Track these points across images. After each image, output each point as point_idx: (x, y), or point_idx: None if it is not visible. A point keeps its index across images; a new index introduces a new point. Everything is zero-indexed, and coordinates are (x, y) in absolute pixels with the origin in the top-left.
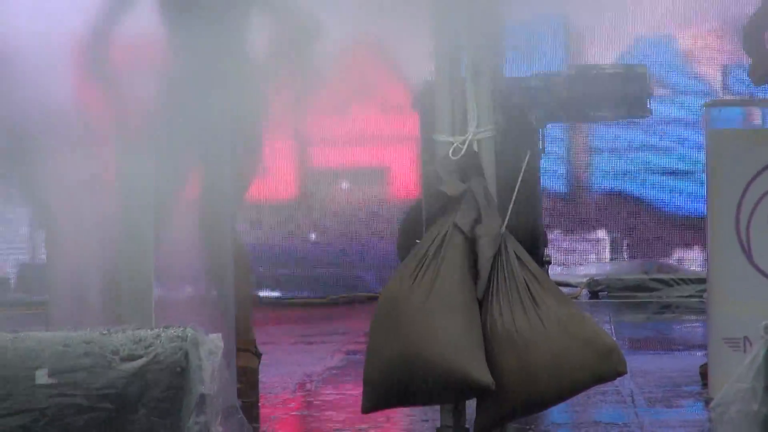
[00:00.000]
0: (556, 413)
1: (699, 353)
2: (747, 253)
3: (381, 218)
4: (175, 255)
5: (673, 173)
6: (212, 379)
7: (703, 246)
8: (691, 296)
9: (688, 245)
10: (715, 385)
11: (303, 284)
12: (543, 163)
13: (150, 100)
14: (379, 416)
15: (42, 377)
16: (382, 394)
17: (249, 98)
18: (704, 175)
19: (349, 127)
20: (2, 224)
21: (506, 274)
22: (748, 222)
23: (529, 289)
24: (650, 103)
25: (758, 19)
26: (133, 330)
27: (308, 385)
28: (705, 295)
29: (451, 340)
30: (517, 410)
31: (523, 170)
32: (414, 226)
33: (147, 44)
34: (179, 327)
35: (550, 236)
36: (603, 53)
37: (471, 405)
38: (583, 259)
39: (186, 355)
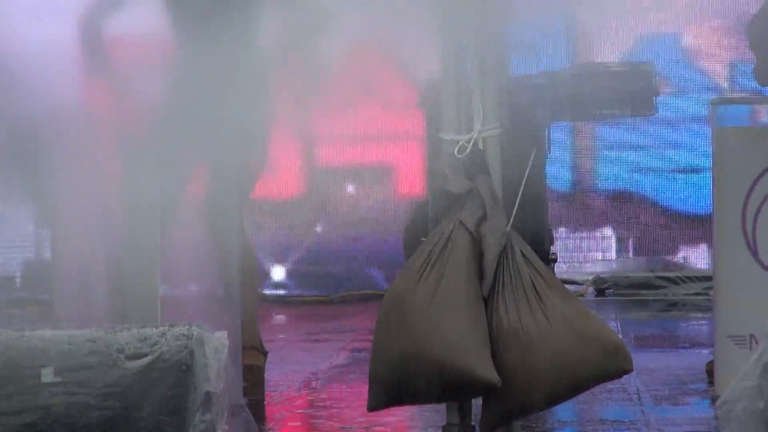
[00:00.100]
0: (562, 411)
1: (705, 351)
2: (753, 250)
3: (387, 216)
4: (180, 253)
5: (680, 171)
6: (218, 378)
7: (709, 244)
8: (697, 294)
9: (694, 243)
10: (721, 382)
11: (309, 282)
12: (549, 160)
13: (156, 100)
14: (384, 414)
15: (47, 375)
16: (387, 392)
17: (255, 98)
18: (710, 173)
19: (355, 126)
20: (7, 222)
21: (512, 273)
22: (755, 220)
23: (534, 287)
24: (656, 101)
25: (764, 17)
26: (139, 328)
27: (314, 383)
28: (711, 292)
29: (457, 338)
30: (522, 408)
31: (528, 168)
32: (420, 225)
33: (153, 43)
34: (185, 325)
35: (556, 234)
36: (609, 51)
37: (477, 403)
38: (589, 256)
39: (191, 353)
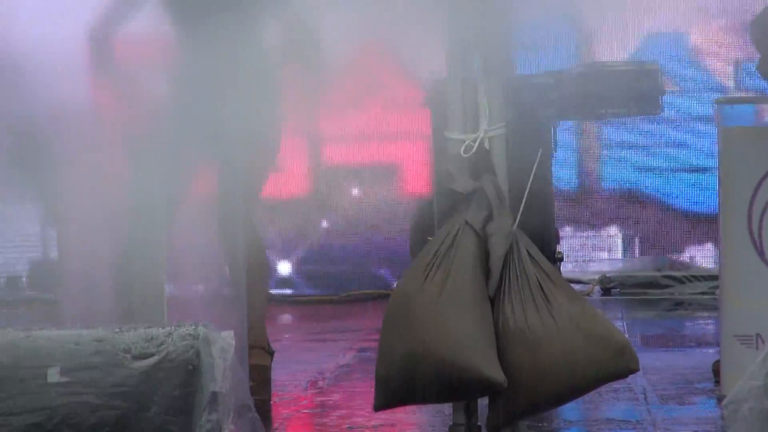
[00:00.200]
0: (569, 411)
1: (711, 350)
2: (759, 250)
3: (393, 215)
4: (187, 252)
5: (686, 170)
6: (224, 377)
7: (716, 243)
8: (703, 293)
9: (700, 242)
10: (727, 382)
11: (314, 281)
12: (554, 160)
13: (162, 98)
14: (391, 414)
15: (54, 375)
16: (393, 392)
17: (264, 95)
18: (716, 172)
19: (361, 125)
20: (14, 222)
21: (518, 272)
22: (761, 219)
23: (541, 287)
24: (662, 100)
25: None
26: (145, 328)
27: (320, 383)
28: (717, 292)
29: (463, 338)
30: (529, 408)
31: (534, 168)
32: (425, 224)
33: (160, 42)
34: (191, 325)
35: (562, 233)
36: (615, 50)
37: (483, 403)
38: (595, 256)
39: (198, 353)
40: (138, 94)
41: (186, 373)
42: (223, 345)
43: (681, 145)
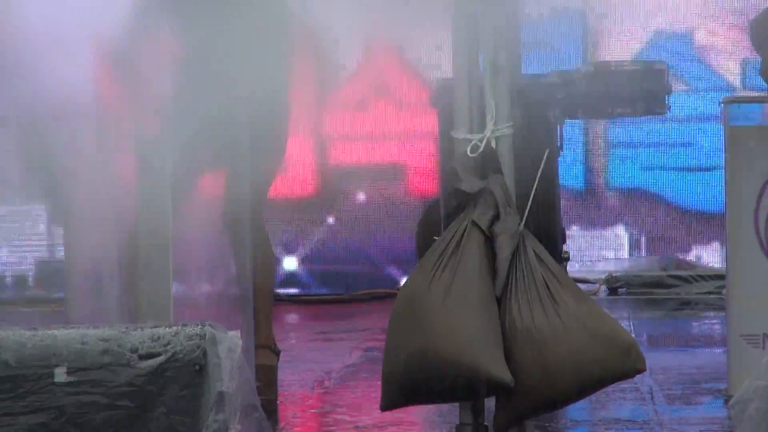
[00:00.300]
0: (575, 410)
1: (718, 350)
2: (766, 249)
3: (399, 215)
4: (194, 252)
5: (692, 169)
6: (231, 377)
7: (722, 242)
8: (709, 293)
9: (706, 241)
10: (734, 382)
11: (321, 281)
12: (561, 159)
13: (170, 96)
14: (397, 414)
15: (60, 375)
16: (400, 392)
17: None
18: (723, 172)
19: (368, 124)
20: (20, 221)
21: (525, 272)
22: (767, 219)
23: (547, 287)
24: (669, 100)
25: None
26: (152, 327)
27: (326, 383)
28: (724, 291)
29: (470, 338)
30: (536, 407)
31: (541, 167)
32: (432, 224)
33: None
34: (198, 324)
35: (569, 233)
36: (622, 50)
37: (490, 402)
38: (601, 255)
39: (204, 352)
40: (145, 90)
41: (192, 373)
42: (230, 345)
43: (688, 144)
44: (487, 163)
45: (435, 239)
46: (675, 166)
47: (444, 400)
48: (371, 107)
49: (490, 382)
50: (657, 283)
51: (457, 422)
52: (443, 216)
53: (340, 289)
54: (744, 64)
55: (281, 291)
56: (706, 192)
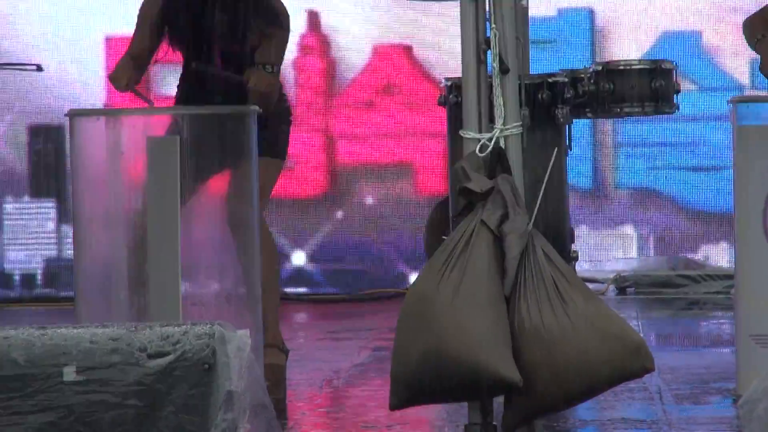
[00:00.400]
0: (584, 410)
1: (726, 350)
2: None
3: (408, 214)
4: (202, 251)
5: (701, 169)
6: (240, 376)
7: (731, 242)
8: (718, 292)
9: (715, 241)
10: (743, 382)
11: (329, 280)
12: (569, 158)
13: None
14: (406, 413)
15: (69, 374)
16: (409, 391)
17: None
18: (732, 171)
19: (376, 123)
20: (30, 219)
21: (533, 271)
22: None
23: (556, 286)
24: (677, 99)
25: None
26: (161, 326)
27: (335, 382)
28: (732, 291)
29: (479, 337)
30: (544, 407)
31: (550, 166)
32: (441, 223)
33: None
34: (207, 324)
35: (577, 232)
36: (630, 49)
37: (498, 402)
38: (610, 255)
39: (213, 351)
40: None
41: (201, 372)
42: (239, 344)
43: (696, 143)
44: (496, 162)
45: (444, 239)
46: (684, 166)
47: (453, 400)
48: (380, 106)
49: (499, 381)
50: (665, 283)
51: (466, 422)
52: (452, 215)
53: (348, 289)
54: (753, 63)
55: (289, 290)
56: (715, 191)
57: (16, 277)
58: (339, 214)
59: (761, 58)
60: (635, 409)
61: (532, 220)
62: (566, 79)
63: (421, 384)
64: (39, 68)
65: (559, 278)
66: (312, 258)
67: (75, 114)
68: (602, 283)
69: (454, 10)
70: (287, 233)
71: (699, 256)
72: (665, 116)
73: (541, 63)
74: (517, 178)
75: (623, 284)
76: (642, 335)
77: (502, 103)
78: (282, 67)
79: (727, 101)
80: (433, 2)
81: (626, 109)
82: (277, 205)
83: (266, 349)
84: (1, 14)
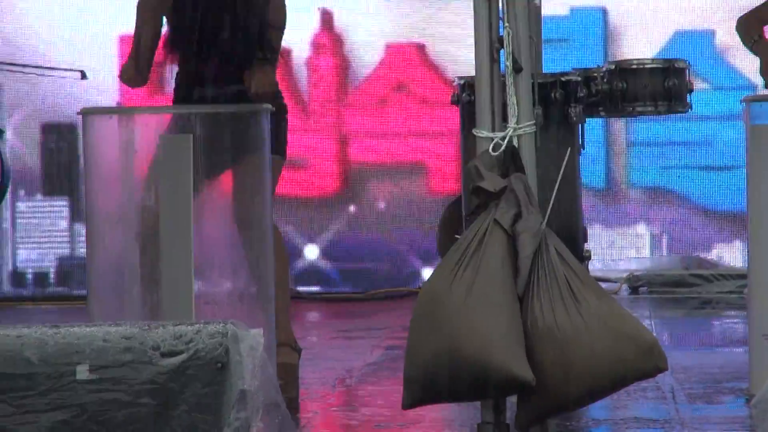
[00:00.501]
0: (596, 409)
1: (739, 349)
2: None
3: (421, 213)
4: (215, 250)
5: (714, 168)
6: (253, 375)
7: (744, 241)
8: (731, 292)
9: (728, 240)
10: (756, 381)
11: (343, 279)
12: (582, 157)
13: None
14: (419, 412)
15: (82, 372)
16: (422, 390)
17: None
18: (745, 170)
19: (390, 122)
20: (42, 218)
21: (547, 271)
22: None
23: (569, 286)
24: (690, 98)
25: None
26: (174, 325)
27: (348, 381)
28: (745, 291)
29: (492, 337)
30: (557, 406)
31: (563, 166)
32: (454, 222)
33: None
34: (220, 323)
35: (590, 231)
36: (643, 48)
37: (512, 401)
38: (623, 254)
39: (226, 350)
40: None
41: (214, 371)
42: (252, 343)
43: (709, 143)
44: (509, 161)
45: (457, 238)
46: (697, 165)
47: (466, 399)
48: (393, 104)
49: (512, 380)
50: (678, 282)
51: (479, 420)
52: (465, 214)
53: (361, 288)
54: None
55: (302, 289)
56: (728, 191)
57: (29, 276)
58: (351, 212)
59: (761, 61)
60: (648, 409)
61: (546, 219)
62: (579, 78)
63: (434, 383)
64: (83, 75)
65: (572, 277)
66: (325, 256)
67: (88, 112)
68: (615, 282)
69: (468, 9)
70: (300, 232)
71: (712, 255)
72: (678, 115)
73: (554, 62)
74: (531, 177)
75: (636, 283)
76: (655, 334)
77: (515, 101)
78: (294, 65)
79: (740, 100)
80: (447, 0)
81: (639, 108)
82: (289, 203)
83: (279, 348)
84: (15, 12)
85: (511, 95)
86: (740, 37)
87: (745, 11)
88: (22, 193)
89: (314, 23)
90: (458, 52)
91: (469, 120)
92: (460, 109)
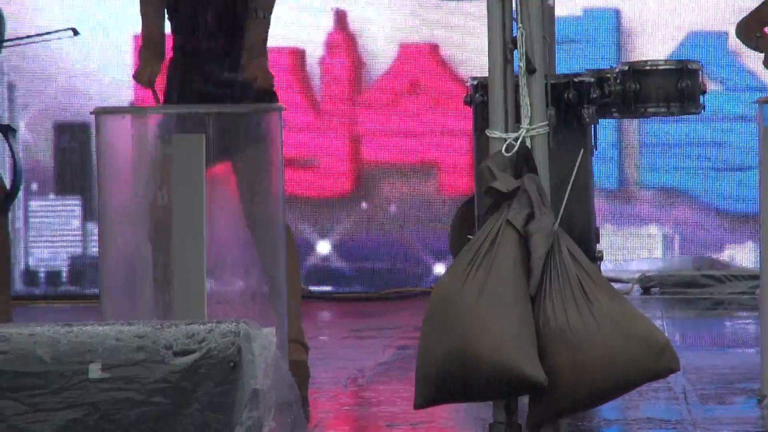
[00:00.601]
0: (608, 410)
1: (751, 350)
2: None
3: (433, 213)
4: (227, 249)
5: (726, 169)
6: (265, 374)
7: (756, 242)
8: (743, 293)
9: (740, 241)
10: (767, 382)
11: (355, 278)
12: (595, 158)
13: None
14: (431, 412)
15: (95, 371)
16: (434, 390)
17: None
18: (757, 172)
19: (402, 121)
20: (55, 217)
21: (559, 271)
22: None
23: (582, 286)
24: (703, 99)
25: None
26: (186, 324)
27: (359, 380)
28: (757, 291)
29: (504, 337)
30: (569, 407)
31: (576, 166)
32: (467, 222)
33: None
34: (232, 322)
35: (602, 232)
36: (656, 49)
37: (523, 401)
38: (635, 255)
39: (239, 349)
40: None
41: (227, 370)
42: (264, 342)
43: (722, 144)
44: (522, 162)
45: (469, 238)
46: (709, 166)
47: (478, 399)
48: (406, 104)
49: (524, 381)
50: (690, 283)
51: (491, 420)
52: (478, 215)
53: (372, 287)
54: None
55: (314, 288)
56: (741, 192)
57: (42, 275)
58: (363, 212)
59: (765, 54)
60: (660, 409)
61: (558, 220)
62: (592, 79)
63: (446, 383)
64: (75, 32)
65: (584, 278)
66: (336, 256)
67: (101, 112)
68: (627, 282)
69: (481, 10)
70: (312, 231)
71: (724, 256)
72: (691, 116)
73: (567, 63)
74: (543, 177)
75: (648, 284)
76: (667, 335)
77: (528, 102)
78: (308, 64)
79: (753, 101)
80: (461, 1)
81: (652, 109)
82: (301, 203)
83: (289, 344)
84: (29, 11)
85: (524, 96)
86: (741, 40)
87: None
88: (34, 191)
89: (328, 23)
90: (472, 53)
91: (482, 120)
92: (473, 109)
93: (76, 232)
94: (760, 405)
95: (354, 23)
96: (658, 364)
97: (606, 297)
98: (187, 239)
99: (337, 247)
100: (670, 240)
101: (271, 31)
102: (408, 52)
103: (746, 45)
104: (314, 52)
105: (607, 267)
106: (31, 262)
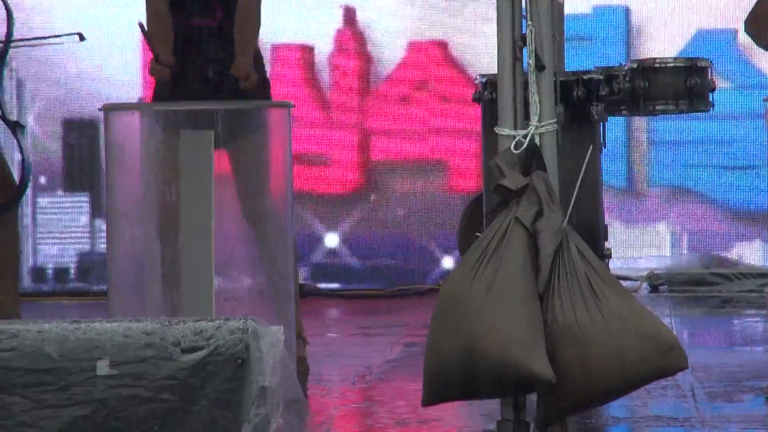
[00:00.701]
0: (616, 407)
1: (759, 348)
2: None
3: (442, 211)
4: (235, 246)
5: (735, 167)
6: (273, 372)
7: (764, 240)
8: (751, 291)
9: (749, 239)
10: None
11: (362, 276)
12: (604, 156)
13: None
14: (439, 409)
15: (103, 368)
16: (442, 387)
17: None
18: (766, 170)
19: (411, 119)
20: (63, 213)
21: (567, 269)
22: None
23: (590, 284)
24: (712, 97)
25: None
26: (194, 321)
27: (367, 378)
28: (765, 290)
29: (512, 334)
30: (577, 404)
31: (585, 164)
32: (475, 220)
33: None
34: (240, 319)
35: (611, 229)
36: (665, 46)
37: (531, 398)
38: (643, 252)
39: (247, 347)
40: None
41: (235, 367)
42: (272, 339)
43: (731, 142)
44: (531, 159)
45: (477, 235)
46: (718, 164)
47: (486, 396)
48: (415, 102)
49: (532, 378)
50: (699, 281)
51: (499, 418)
52: (486, 212)
53: (380, 285)
54: None
55: (322, 285)
56: (749, 190)
57: (50, 271)
58: (372, 209)
59: None
60: (668, 407)
61: (567, 218)
62: (601, 77)
63: (454, 380)
64: (81, 37)
65: (592, 275)
66: (345, 253)
67: (110, 108)
68: (635, 280)
69: (491, 7)
70: (320, 227)
71: (732, 254)
72: (700, 114)
73: (576, 60)
74: (552, 175)
75: (656, 282)
76: (675, 333)
77: (537, 100)
78: (317, 62)
79: (762, 99)
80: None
81: (661, 107)
82: (310, 200)
83: None
84: (38, 8)
85: (534, 93)
86: (752, 35)
87: None
88: (43, 188)
89: (337, 21)
90: (481, 50)
91: (490, 118)
92: (482, 106)
93: (85, 229)
94: (767, 403)
95: (363, 21)
96: (666, 362)
97: (614, 294)
98: (196, 236)
99: (345, 244)
100: (678, 238)
101: (280, 28)
102: (417, 49)
103: (757, 43)
104: (323, 49)
105: (615, 265)
106: (40, 258)
